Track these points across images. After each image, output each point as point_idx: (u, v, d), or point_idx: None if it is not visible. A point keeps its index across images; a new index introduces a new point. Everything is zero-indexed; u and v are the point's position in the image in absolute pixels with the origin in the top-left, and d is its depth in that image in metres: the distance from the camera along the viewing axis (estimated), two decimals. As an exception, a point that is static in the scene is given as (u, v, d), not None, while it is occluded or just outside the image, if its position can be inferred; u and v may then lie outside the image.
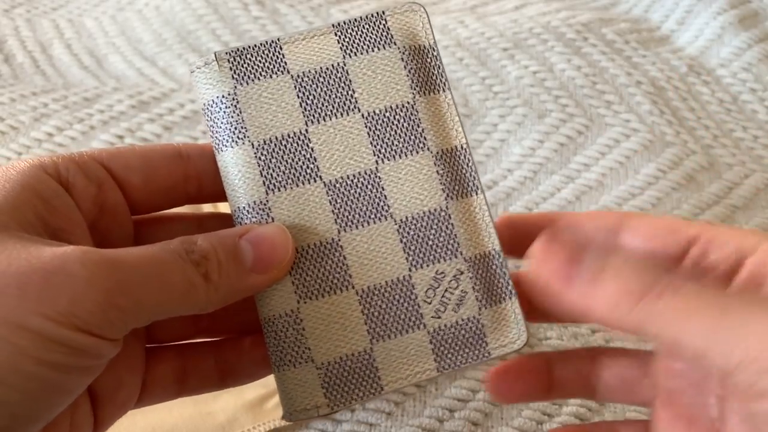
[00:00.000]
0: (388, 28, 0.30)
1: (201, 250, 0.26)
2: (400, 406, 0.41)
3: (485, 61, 0.59)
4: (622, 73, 0.58)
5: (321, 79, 0.29)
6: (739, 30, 0.62)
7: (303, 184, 0.29)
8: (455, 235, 0.29)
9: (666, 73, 0.60)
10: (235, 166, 0.29)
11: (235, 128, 0.29)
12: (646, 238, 0.27)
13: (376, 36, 0.30)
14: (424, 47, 0.30)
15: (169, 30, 0.62)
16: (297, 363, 0.28)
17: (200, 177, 0.30)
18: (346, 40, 0.30)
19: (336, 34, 0.30)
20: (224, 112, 0.29)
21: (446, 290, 0.28)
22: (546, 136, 0.54)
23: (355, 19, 0.30)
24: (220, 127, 0.29)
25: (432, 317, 0.28)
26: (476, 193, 0.29)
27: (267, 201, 0.29)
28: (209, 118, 0.30)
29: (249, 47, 0.30)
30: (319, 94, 0.29)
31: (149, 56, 0.61)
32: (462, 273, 0.28)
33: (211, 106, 0.29)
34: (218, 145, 0.29)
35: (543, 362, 0.31)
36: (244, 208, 0.29)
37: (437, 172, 0.29)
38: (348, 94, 0.29)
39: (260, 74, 0.29)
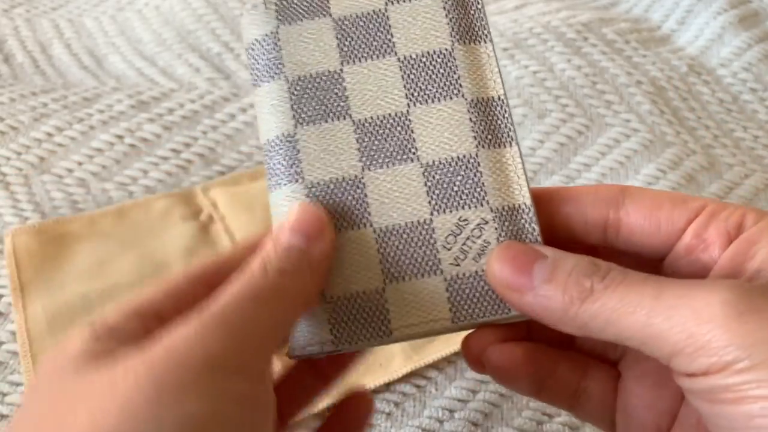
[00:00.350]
0: None
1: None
2: (399, 406, 0.41)
3: (485, 61, 0.59)
4: (622, 72, 0.58)
5: (361, 23, 0.30)
6: (740, 30, 0.62)
7: (332, 120, 0.29)
8: (483, 183, 0.28)
9: (666, 72, 0.60)
10: (269, 100, 0.30)
11: (273, 64, 0.30)
12: (649, 210, 0.27)
13: None
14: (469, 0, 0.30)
15: (168, 30, 0.62)
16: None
17: None
18: None
19: None
20: (265, 49, 0.30)
21: (468, 238, 0.28)
22: (546, 136, 0.54)
23: None
24: (260, 64, 0.30)
25: (450, 264, 0.27)
26: (510, 145, 0.28)
27: (295, 134, 0.29)
28: (251, 57, 0.30)
29: None
30: (358, 37, 0.30)
31: (149, 56, 0.61)
32: (487, 222, 0.28)
33: (254, 45, 0.30)
34: (256, 81, 0.30)
35: (549, 360, 0.30)
36: (272, 140, 0.29)
37: (470, 119, 0.28)
38: (386, 38, 0.29)
39: (303, 15, 0.30)
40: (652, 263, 0.28)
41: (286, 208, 0.28)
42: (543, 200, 0.28)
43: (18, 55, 0.61)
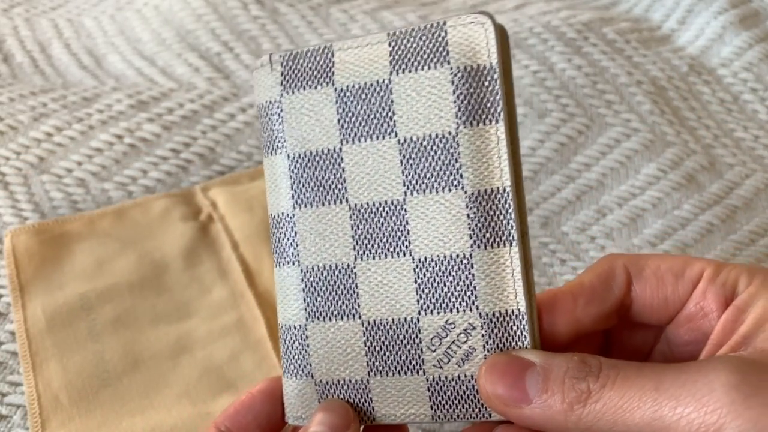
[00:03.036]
0: (446, 42, 0.26)
1: None
2: (400, 406, 0.41)
3: (485, 61, 0.58)
4: (622, 72, 0.58)
5: (363, 96, 0.28)
6: (740, 29, 0.62)
7: (329, 204, 0.28)
8: (474, 286, 0.26)
9: (667, 72, 0.59)
10: (273, 174, 0.29)
11: (277, 137, 0.29)
12: (656, 288, 0.28)
13: (431, 51, 0.27)
14: (484, 68, 0.26)
15: (168, 29, 0.62)
16: (299, 375, 0.29)
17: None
18: (399, 52, 0.27)
19: (390, 44, 0.27)
20: (270, 118, 0.29)
21: (453, 342, 0.27)
22: (546, 136, 0.54)
23: (414, 29, 0.27)
24: (266, 133, 0.30)
25: (433, 365, 0.27)
26: (509, 244, 0.26)
27: (293, 215, 0.29)
28: (261, 120, 0.30)
29: (302, 52, 0.29)
30: (359, 113, 0.28)
31: (148, 56, 0.61)
32: (474, 328, 0.26)
33: (262, 110, 0.30)
34: (264, 149, 0.30)
35: None
36: (274, 216, 0.29)
37: (467, 215, 0.26)
38: (387, 115, 0.27)
39: (306, 83, 0.29)
40: (652, 329, 0.29)
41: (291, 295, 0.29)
42: (547, 307, 0.28)
43: (17, 54, 0.61)
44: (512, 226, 0.26)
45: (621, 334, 0.31)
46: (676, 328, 0.28)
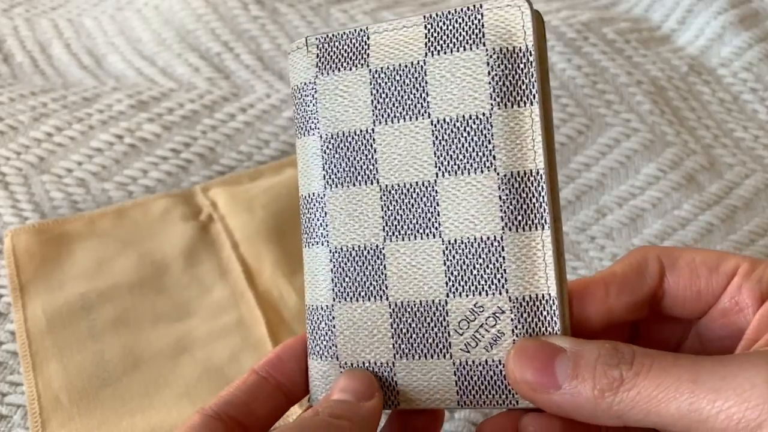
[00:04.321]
0: (482, 25, 0.26)
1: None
2: (400, 406, 0.41)
3: (485, 61, 0.58)
4: (622, 72, 0.58)
5: (397, 77, 0.28)
6: (740, 29, 0.62)
7: (359, 184, 0.28)
8: (504, 269, 0.26)
9: (666, 72, 0.59)
10: (305, 155, 0.29)
11: (310, 118, 0.29)
12: (689, 280, 0.28)
13: (467, 33, 0.26)
14: (519, 50, 0.26)
15: (168, 29, 0.62)
16: (324, 356, 0.29)
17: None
18: (434, 34, 0.27)
19: (426, 27, 0.27)
20: (303, 99, 0.29)
21: (482, 326, 0.26)
22: (546, 136, 0.54)
23: (450, 12, 0.27)
24: (299, 114, 0.30)
25: (461, 349, 0.27)
26: (541, 227, 0.26)
27: (324, 195, 0.29)
28: (294, 102, 0.30)
29: (337, 34, 0.29)
30: (392, 94, 0.28)
31: (148, 56, 0.61)
32: (503, 312, 0.26)
33: (296, 92, 0.30)
34: (297, 130, 0.30)
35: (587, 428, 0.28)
36: (305, 197, 0.29)
37: (500, 197, 0.26)
38: (421, 96, 0.27)
39: (341, 65, 0.29)
40: (682, 323, 0.29)
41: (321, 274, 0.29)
42: (578, 295, 0.27)
43: (17, 54, 0.61)
44: (545, 210, 0.26)
45: (650, 327, 0.30)
46: (709, 322, 0.28)
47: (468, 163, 0.26)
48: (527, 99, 0.26)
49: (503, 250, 0.26)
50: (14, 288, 0.44)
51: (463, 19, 0.27)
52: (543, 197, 0.26)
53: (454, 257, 0.27)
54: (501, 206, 0.26)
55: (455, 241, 0.27)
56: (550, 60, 0.58)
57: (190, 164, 0.52)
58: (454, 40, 0.27)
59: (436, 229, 0.27)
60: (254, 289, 0.45)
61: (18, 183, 0.50)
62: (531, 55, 0.26)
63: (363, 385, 0.27)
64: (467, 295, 0.26)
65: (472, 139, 0.26)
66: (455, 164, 0.27)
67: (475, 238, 0.26)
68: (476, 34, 0.26)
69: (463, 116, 0.27)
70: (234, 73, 0.59)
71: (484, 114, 0.26)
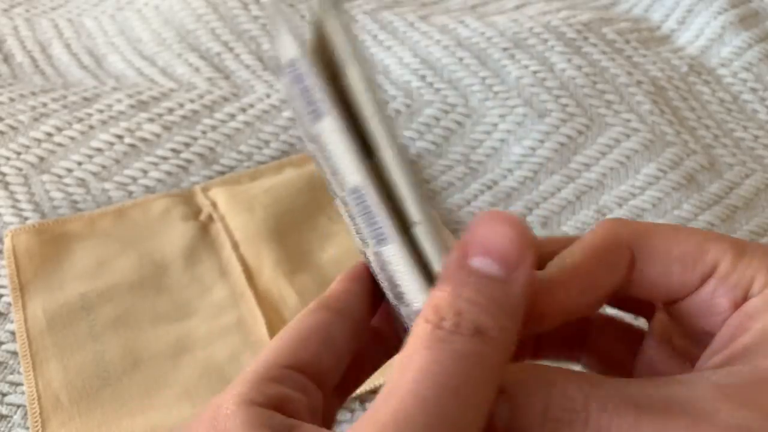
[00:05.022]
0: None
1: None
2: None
3: (485, 61, 0.58)
4: (622, 72, 0.58)
5: None
6: (740, 29, 0.62)
7: None
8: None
9: (666, 72, 0.59)
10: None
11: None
12: (662, 270, 0.25)
13: None
14: (292, 64, 0.21)
15: (168, 29, 0.62)
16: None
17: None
18: None
19: None
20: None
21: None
22: (546, 136, 0.54)
23: None
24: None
25: None
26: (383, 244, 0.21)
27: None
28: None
29: None
30: None
31: (148, 56, 0.61)
32: None
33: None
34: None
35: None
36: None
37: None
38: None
39: None
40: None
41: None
42: (538, 297, 0.23)
43: (17, 54, 0.61)
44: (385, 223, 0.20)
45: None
46: (686, 310, 0.25)
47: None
48: (320, 112, 0.20)
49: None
50: (14, 288, 0.44)
51: None
52: (377, 209, 0.20)
53: None
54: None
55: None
56: (550, 60, 0.58)
57: (190, 164, 0.52)
58: None
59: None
60: (254, 289, 0.45)
61: (18, 183, 0.50)
62: (302, 65, 0.20)
63: (515, 241, 0.18)
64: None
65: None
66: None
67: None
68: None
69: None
70: (234, 73, 0.59)
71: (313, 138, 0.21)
